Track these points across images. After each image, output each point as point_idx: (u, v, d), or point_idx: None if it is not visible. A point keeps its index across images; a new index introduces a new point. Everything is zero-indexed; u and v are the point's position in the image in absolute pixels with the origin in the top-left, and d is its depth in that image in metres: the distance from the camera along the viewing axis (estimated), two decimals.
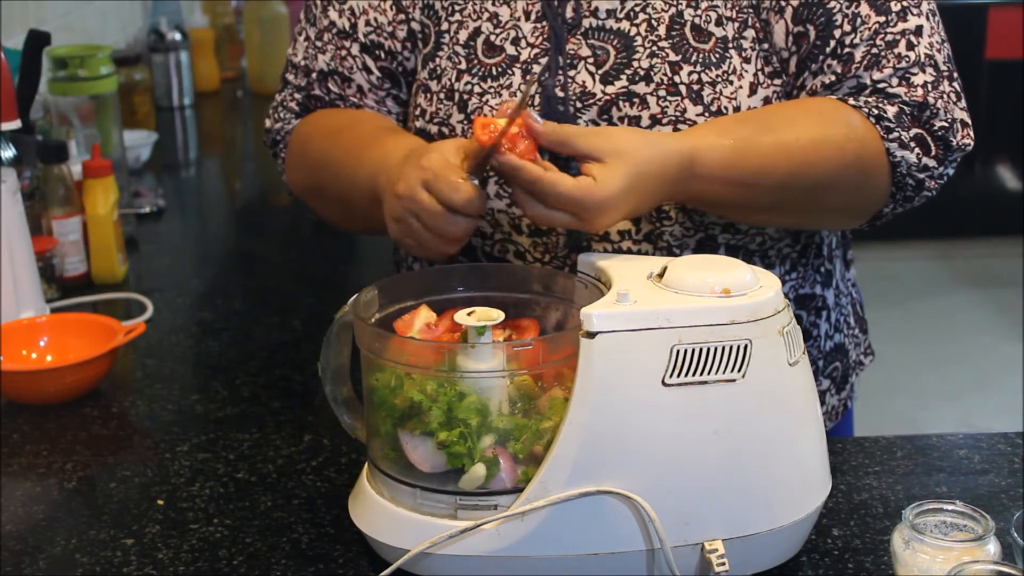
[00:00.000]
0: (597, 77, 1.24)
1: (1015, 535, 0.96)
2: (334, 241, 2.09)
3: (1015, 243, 4.49)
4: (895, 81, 1.21)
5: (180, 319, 1.66)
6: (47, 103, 2.07)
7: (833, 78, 1.23)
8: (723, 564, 0.97)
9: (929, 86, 1.21)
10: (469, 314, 1.01)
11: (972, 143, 1.24)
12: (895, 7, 1.22)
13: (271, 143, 1.43)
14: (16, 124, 1.52)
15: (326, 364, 1.08)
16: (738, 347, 0.96)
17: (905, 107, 1.21)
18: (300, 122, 1.39)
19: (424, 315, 1.05)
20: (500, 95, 1.26)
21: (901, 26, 1.22)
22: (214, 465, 1.23)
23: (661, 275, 1.02)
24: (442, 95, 1.29)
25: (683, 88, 1.22)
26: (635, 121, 1.22)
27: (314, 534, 1.10)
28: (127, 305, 1.71)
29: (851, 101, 1.21)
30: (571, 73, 1.24)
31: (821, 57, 1.23)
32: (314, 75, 1.37)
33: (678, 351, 0.95)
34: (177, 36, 2.90)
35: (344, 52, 1.35)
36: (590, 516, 0.97)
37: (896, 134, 1.20)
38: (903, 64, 1.21)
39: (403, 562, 0.99)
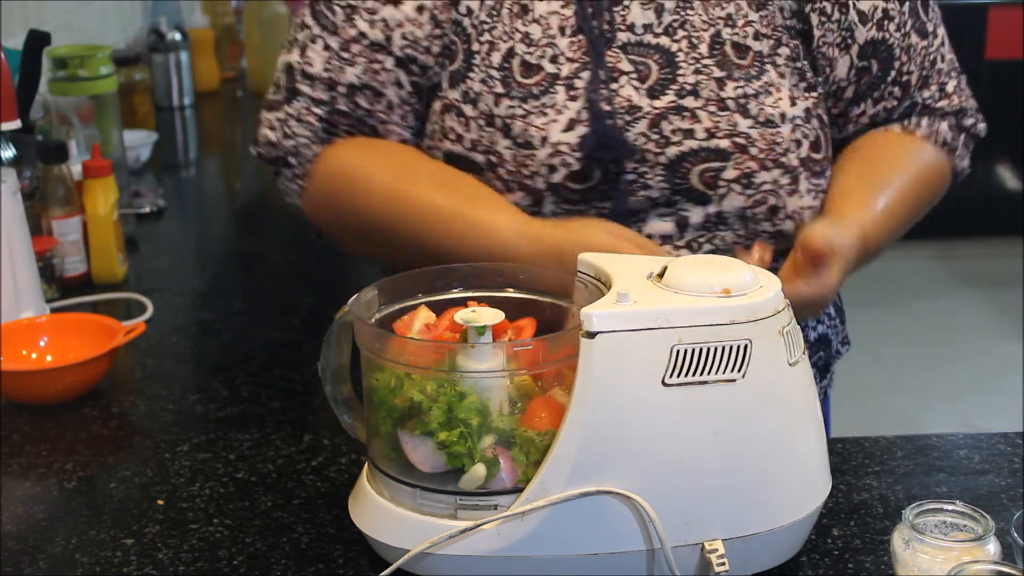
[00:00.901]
0: (643, 91, 1.26)
1: (1015, 535, 0.96)
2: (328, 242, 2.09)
3: (1015, 243, 4.49)
4: (937, 95, 1.39)
5: (180, 319, 1.66)
6: (47, 103, 2.07)
7: (894, 103, 1.38)
8: (723, 564, 0.97)
9: (957, 90, 1.40)
10: (469, 314, 1.01)
11: (985, 125, 1.43)
12: (930, 27, 1.37)
13: (276, 160, 1.35)
14: (16, 124, 1.52)
15: (326, 364, 1.08)
16: (738, 347, 0.96)
17: (950, 118, 1.39)
18: (330, 153, 1.32)
19: (424, 315, 1.05)
20: (545, 114, 1.25)
21: (935, 43, 1.38)
22: (214, 465, 1.23)
23: (661, 275, 1.02)
24: (481, 122, 1.27)
25: (731, 103, 1.26)
26: (689, 133, 1.25)
27: (314, 534, 1.10)
28: (127, 305, 1.71)
29: (919, 133, 1.38)
30: (613, 87, 1.25)
31: (883, 86, 1.36)
32: (341, 88, 1.31)
33: (678, 351, 0.95)
34: (177, 36, 2.90)
35: (377, 66, 1.30)
36: (590, 516, 0.97)
37: (959, 152, 1.40)
38: (941, 78, 1.39)
39: (403, 562, 0.99)
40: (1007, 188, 4.70)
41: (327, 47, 1.31)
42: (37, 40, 1.68)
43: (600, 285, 1.05)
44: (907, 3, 1.34)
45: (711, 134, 1.25)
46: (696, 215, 1.27)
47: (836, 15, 1.31)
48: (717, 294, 0.98)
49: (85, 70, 2.06)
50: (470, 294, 1.09)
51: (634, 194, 1.26)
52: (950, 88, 1.39)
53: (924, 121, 1.38)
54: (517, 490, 0.97)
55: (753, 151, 1.26)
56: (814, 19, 1.31)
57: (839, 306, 1.52)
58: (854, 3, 1.32)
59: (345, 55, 1.30)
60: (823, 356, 1.44)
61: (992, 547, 0.95)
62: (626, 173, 1.25)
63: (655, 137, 1.25)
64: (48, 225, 1.73)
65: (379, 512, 1.02)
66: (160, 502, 1.16)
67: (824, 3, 1.31)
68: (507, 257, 1.19)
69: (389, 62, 1.30)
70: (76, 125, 2.07)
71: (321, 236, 1.42)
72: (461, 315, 1.01)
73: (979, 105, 1.43)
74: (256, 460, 1.23)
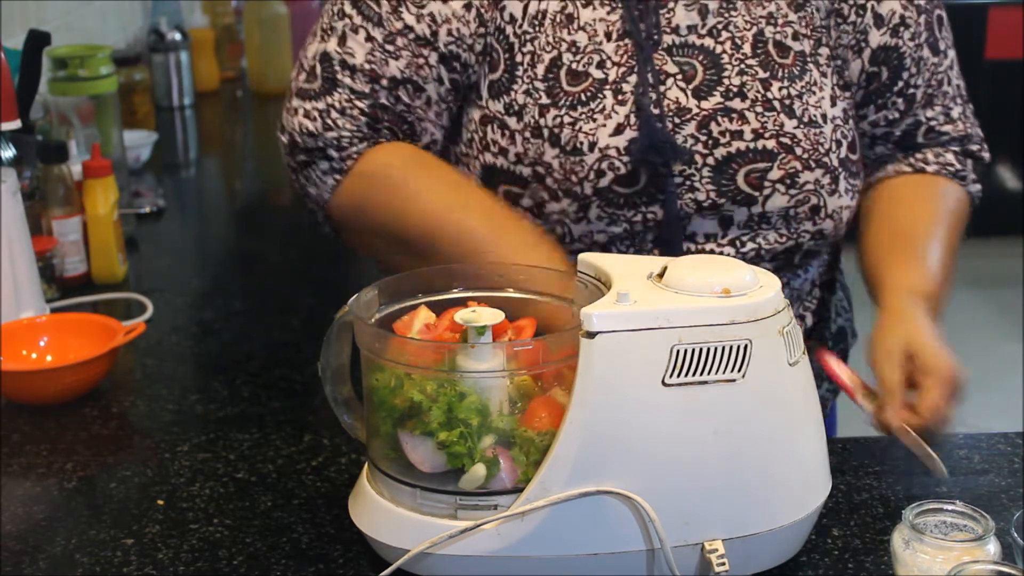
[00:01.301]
0: (689, 93, 1.27)
1: (1015, 535, 0.96)
2: (334, 241, 2.09)
3: (1015, 243, 4.49)
4: (942, 118, 1.38)
5: (180, 319, 1.66)
6: (47, 103, 2.07)
7: (896, 115, 1.37)
8: (723, 564, 0.97)
9: (962, 116, 1.40)
10: (469, 314, 1.01)
11: (989, 154, 1.43)
12: (942, 45, 1.38)
13: (314, 151, 1.31)
14: (16, 124, 1.52)
15: (326, 364, 1.08)
16: (738, 347, 0.96)
17: (955, 144, 1.39)
18: (377, 154, 1.29)
19: (423, 315, 1.05)
20: (594, 120, 1.25)
21: (944, 63, 1.38)
22: (214, 465, 1.23)
23: (661, 275, 1.02)
24: (528, 134, 1.27)
25: (776, 104, 1.27)
26: (737, 135, 1.26)
27: (314, 534, 1.10)
28: (127, 305, 1.71)
29: (929, 169, 1.38)
30: (661, 89, 1.26)
31: (888, 95, 1.36)
32: (384, 81, 1.28)
33: (678, 351, 0.95)
34: (177, 36, 2.90)
35: (421, 60, 1.28)
36: (590, 516, 0.97)
37: (969, 177, 1.40)
38: (947, 101, 1.38)
39: (403, 562, 0.99)
40: (1007, 188, 4.70)
41: (370, 38, 1.28)
42: (37, 40, 1.68)
43: (600, 285, 1.05)
44: (923, 15, 1.34)
45: (758, 135, 1.26)
46: (740, 214, 1.29)
47: (852, 17, 1.32)
48: (717, 294, 0.98)
49: (85, 70, 2.06)
50: (470, 294, 1.09)
51: (680, 197, 1.27)
52: (955, 114, 1.39)
53: (930, 155, 1.38)
54: (517, 490, 0.97)
55: (798, 151, 1.27)
56: (831, 20, 1.32)
57: (850, 299, 1.54)
58: (873, 6, 1.32)
59: (389, 47, 1.28)
60: (843, 348, 1.47)
61: (992, 547, 0.95)
62: (673, 176, 1.26)
63: (703, 138, 1.26)
64: (48, 225, 1.73)
65: (379, 512, 1.02)
66: (160, 502, 1.16)
67: (842, 4, 1.32)
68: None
69: (433, 58, 1.28)
70: (76, 125, 2.07)
71: (335, 233, 1.40)
72: (461, 315, 1.01)
73: (979, 106, 1.44)
74: (256, 460, 1.23)
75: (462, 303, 1.07)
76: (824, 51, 1.31)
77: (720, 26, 1.28)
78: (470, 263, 1.20)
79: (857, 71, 1.34)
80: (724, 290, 0.98)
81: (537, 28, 1.28)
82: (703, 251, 1.30)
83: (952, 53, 1.39)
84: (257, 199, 2.47)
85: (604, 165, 1.26)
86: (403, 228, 1.28)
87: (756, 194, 1.27)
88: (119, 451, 1.28)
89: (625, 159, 1.25)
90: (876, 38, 1.33)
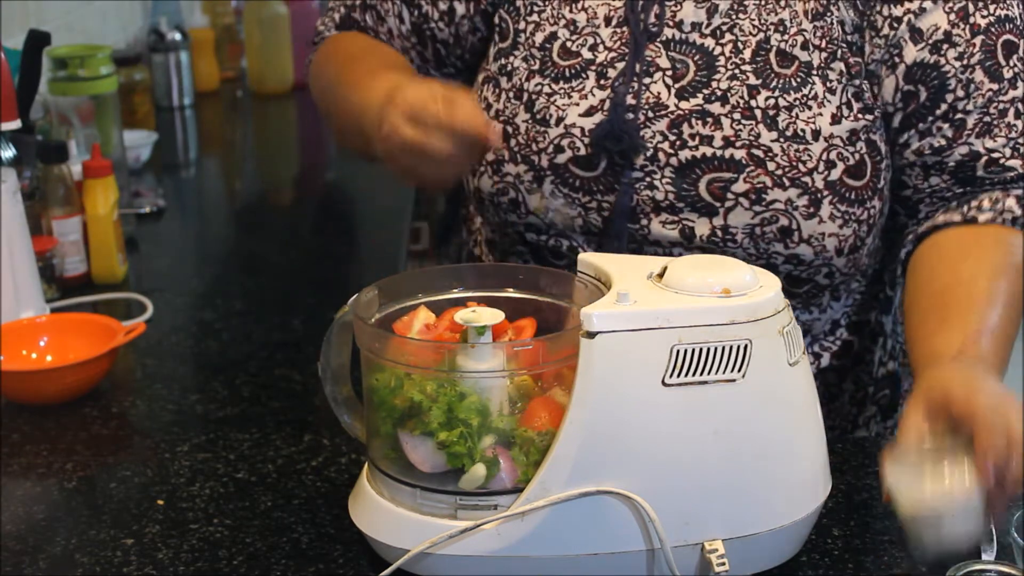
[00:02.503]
0: (673, 90, 1.25)
1: (1015, 535, 0.96)
2: (334, 241, 2.10)
3: None
4: (1008, 152, 1.22)
5: (180, 319, 1.66)
6: (47, 103, 2.06)
7: (943, 142, 1.24)
8: (723, 564, 0.97)
9: None
10: (469, 314, 1.01)
11: None
12: (1007, 74, 1.23)
13: (312, 44, 1.52)
14: (16, 124, 1.52)
15: (326, 364, 1.08)
16: (738, 347, 0.96)
17: (1021, 186, 1.22)
18: (332, 37, 1.47)
19: (423, 316, 1.05)
20: (570, 96, 1.27)
21: (1012, 94, 1.23)
22: (214, 465, 1.23)
23: (661, 275, 1.02)
24: (511, 94, 1.31)
25: (758, 112, 1.22)
26: (707, 140, 1.23)
27: (314, 534, 1.10)
28: (127, 305, 1.71)
29: (982, 219, 1.21)
30: (646, 81, 1.25)
31: (930, 118, 1.23)
32: (357, 1, 1.45)
33: (678, 351, 0.95)
34: (177, 36, 2.89)
35: None
36: (590, 516, 0.97)
37: None
38: (1014, 134, 1.23)
39: (403, 562, 0.99)
40: None
41: None
42: (37, 40, 1.68)
43: (600, 285, 1.05)
44: (980, 36, 1.22)
45: (729, 143, 1.22)
46: (702, 226, 1.24)
47: (886, 30, 1.23)
48: (717, 294, 0.98)
49: (85, 70, 2.06)
50: (470, 294, 1.09)
51: (638, 192, 1.25)
52: None
53: (986, 201, 1.23)
54: (517, 490, 0.97)
55: (771, 166, 1.21)
56: (866, 34, 1.24)
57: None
58: (911, 19, 1.22)
59: None
60: (889, 395, 1.40)
61: None
62: (633, 169, 1.25)
63: (672, 138, 1.24)
64: (48, 225, 1.73)
65: (379, 512, 1.02)
66: (160, 502, 1.16)
67: (876, 16, 1.23)
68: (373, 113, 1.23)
69: None
70: (76, 125, 2.07)
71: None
72: (461, 315, 1.01)
73: None
74: (256, 460, 1.23)
75: (462, 303, 1.07)
76: (838, 66, 1.23)
77: (725, 27, 1.25)
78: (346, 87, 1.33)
79: (892, 89, 1.24)
80: (724, 290, 0.98)
81: (544, 1, 1.31)
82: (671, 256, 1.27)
83: None
84: (257, 199, 2.47)
85: (565, 142, 1.26)
86: (325, 96, 1.43)
87: (717, 204, 1.22)
88: (119, 451, 1.28)
89: (586, 140, 1.26)
90: (912, 53, 1.22)
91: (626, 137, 1.24)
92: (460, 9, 1.38)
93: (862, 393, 1.39)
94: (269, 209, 2.38)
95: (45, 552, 1.08)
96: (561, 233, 1.30)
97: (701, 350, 0.95)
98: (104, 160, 1.80)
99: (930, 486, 0.96)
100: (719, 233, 1.24)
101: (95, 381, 1.39)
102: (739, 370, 0.96)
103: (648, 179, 1.25)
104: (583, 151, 1.26)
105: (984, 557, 0.99)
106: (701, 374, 0.96)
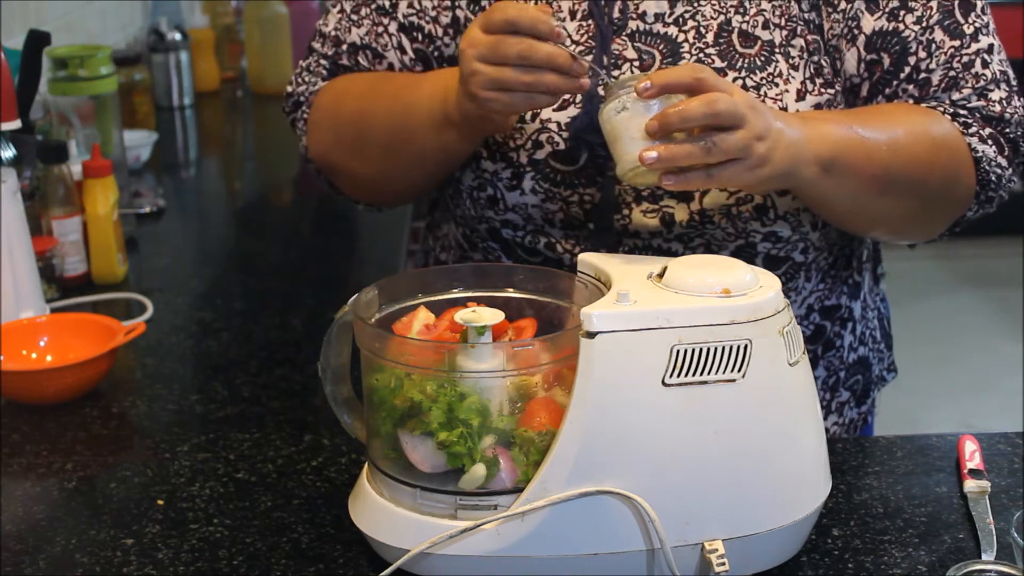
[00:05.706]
0: None
1: (1015, 535, 0.96)
2: (334, 241, 2.10)
3: (1015, 243, 4.49)
4: (974, 98, 1.25)
5: (180, 319, 1.66)
6: (47, 103, 2.07)
7: (911, 101, 1.26)
8: (723, 564, 0.97)
9: (1004, 101, 1.26)
10: (469, 314, 1.01)
11: None
12: (968, 30, 1.26)
13: (291, 107, 1.44)
14: (16, 124, 1.52)
15: (326, 364, 1.08)
16: (738, 347, 0.96)
17: (979, 114, 1.25)
18: (329, 83, 1.40)
19: (423, 316, 1.05)
20: None
21: (975, 47, 1.26)
22: (214, 465, 1.23)
23: (661, 275, 1.02)
24: None
25: None
26: None
27: (314, 534, 1.10)
28: (127, 305, 1.71)
29: (924, 105, 1.25)
30: (615, 73, 1.25)
31: (895, 83, 1.26)
32: (344, 46, 1.38)
33: (678, 351, 0.95)
34: (177, 36, 2.90)
35: (381, 29, 1.36)
36: (590, 516, 0.97)
37: (974, 129, 1.24)
38: (981, 83, 1.25)
39: (403, 562, 0.99)
40: None
41: (342, 10, 1.40)
42: (37, 40, 1.68)
43: (600, 285, 1.05)
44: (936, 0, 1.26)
45: None
46: (681, 212, 1.25)
47: (842, 4, 1.25)
48: (717, 294, 0.98)
49: (85, 70, 2.06)
50: (470, 294, 1.10)
51: (620, 183, 1.25)
52: (994, 96, 1.26)
53: (947, 107, 1.26)
54: (517, 490, 0.97)
55: None
56: (822, 10, 1.26)
57: (886, 330, 1.49)
58: None
59: (354, 17, 1.38)
60: (861, 380, 1.41)
61: None
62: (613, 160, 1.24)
63: None
64: (48, 225, 1.73)
65: (379, 512, 1.02)
66: (160, 502, 1.16)
67: None
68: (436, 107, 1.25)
69: (393, 26, 1.36)
70: (76, 125, 2.07)
71: (329, 186, 1.46)
72: (461, 315, 1.01)
73: None
74: (256, 460, 1.23)
75: (462, 303, 1.07)
76: (799, 42, 1.25)
77: (687, 15, 1.26)
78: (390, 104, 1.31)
79: (855, 61, 1.26)
80: (724, 290, 0.98)
81: None
82: (650, 247, 1.28)
83: (989, 40, 1.27)
84: (257, 199, 2.47)
85: (543, 137, 1.26)
86: (357, 124, 1.36)
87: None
88: (119, 451, 1.29)
89: (564, 135, 1.25)
90: (870, 23, 1.25)
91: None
92: (462, 16, 1.34)
93: (834, 379, 1.40)
94: (269, 209, 2.39)
95: (45, 552, 1.08)
96: (539, 229, 1.30)
97: (701, 350, 0.95)
98: (104, 160, 1.80)
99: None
100: (697, 217, 1.25)
101: (95, 381, 1.39)
102: (739, 370, 0.96)
103: None
104: (562, 145, 1.26)
105: (984, 557, 1.00)
106: (701, 374, 0.96)
